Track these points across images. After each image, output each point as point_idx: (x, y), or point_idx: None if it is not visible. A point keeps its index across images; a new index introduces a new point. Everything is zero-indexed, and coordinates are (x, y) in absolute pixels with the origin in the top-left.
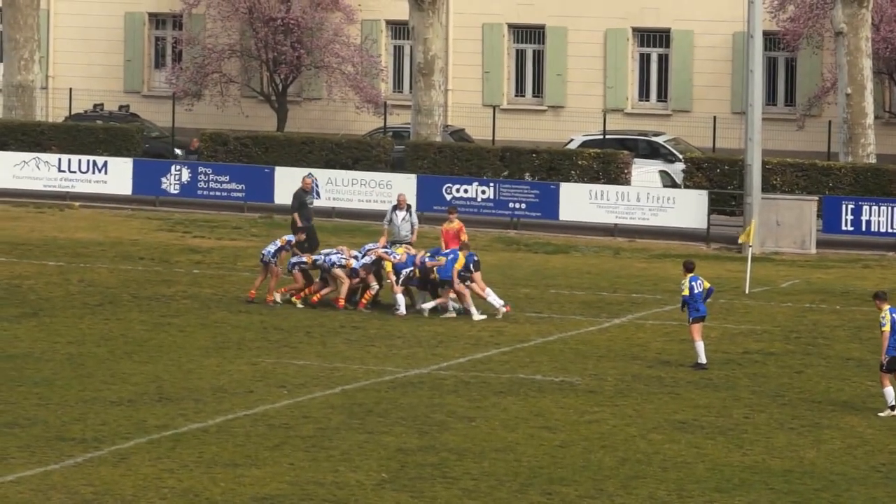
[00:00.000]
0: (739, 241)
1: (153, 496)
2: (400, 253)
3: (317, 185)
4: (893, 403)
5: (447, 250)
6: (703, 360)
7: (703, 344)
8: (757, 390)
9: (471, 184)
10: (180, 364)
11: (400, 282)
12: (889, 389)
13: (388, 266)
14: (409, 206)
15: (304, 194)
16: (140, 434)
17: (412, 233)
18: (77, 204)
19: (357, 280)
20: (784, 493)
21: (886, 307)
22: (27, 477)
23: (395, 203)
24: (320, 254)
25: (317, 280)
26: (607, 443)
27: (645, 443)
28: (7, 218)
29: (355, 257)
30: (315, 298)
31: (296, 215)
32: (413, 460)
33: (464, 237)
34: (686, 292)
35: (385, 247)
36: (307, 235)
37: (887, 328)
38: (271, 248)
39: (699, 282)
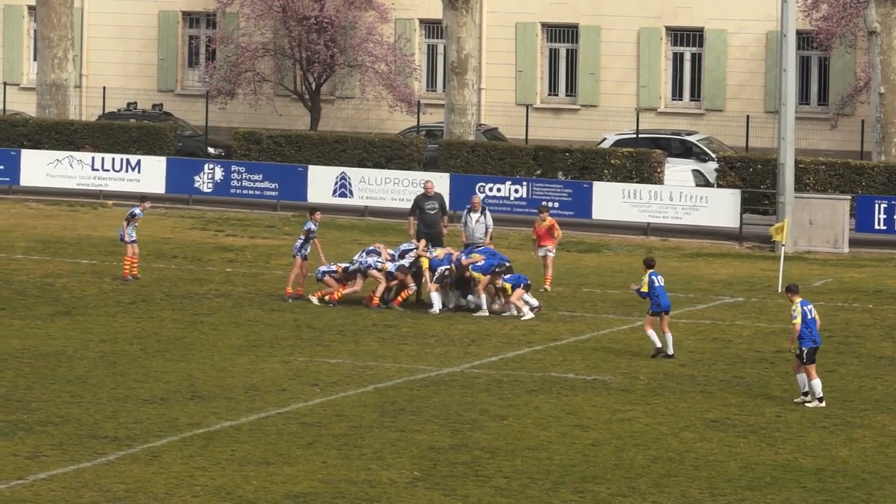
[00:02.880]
0: (772, 237)
1: (185, 494)
2: (438, 252)
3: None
4: (806, 390)
5: (486, 247)
6: (668, 350)
7: (672, 335)
8: (789, 389)
9: (504, 183)
10: (213, 362)
11: (434, 279)
12: (802, 376)
13: (425, 263)
14: (483, 208)
15: (423, 199)
16: (172, 432)
17: (486, 235)
18: (111, 202)
19: (394, 282)
20: (816, 491)
21: (798, 300)
22: (59, 475)
23: (469, 205)
24: (355, 258)
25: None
26: (639, 441)
27: (677, 441)
28: (41, 216)
29: (392, 258)
30: (335, 296)
31: (411, 219)
32: (445, 458)
33: (557, 233)
34: (645, 288)
35: (427, 248)
36: (428, 242)
37: (798, 321)
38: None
39: (659, 277)
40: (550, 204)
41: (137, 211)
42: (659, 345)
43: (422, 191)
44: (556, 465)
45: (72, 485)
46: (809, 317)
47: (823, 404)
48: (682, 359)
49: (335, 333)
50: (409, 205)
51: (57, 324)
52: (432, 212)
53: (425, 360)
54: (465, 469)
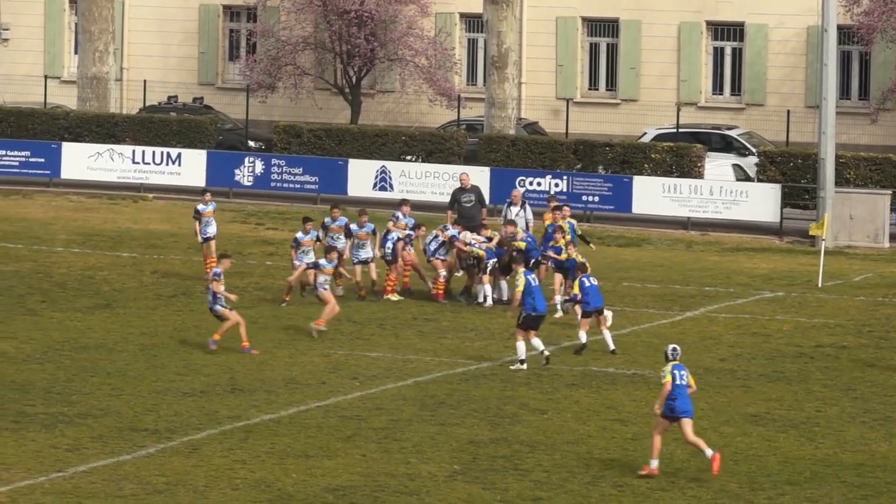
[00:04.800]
0: (812, 232)
1: (225, 487)
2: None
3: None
4: (523, 358)
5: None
6: (610, 346)
7: (610, 333)
8: (829, 384)
9: (544, 177)
10: (253, 355)
11: (489, 271)
12: (521, 344)
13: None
14: (523, 202)
15: (460, 192)
16: (212, 425)
17: (527, 228)
18: (151, 196)
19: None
20: (855, 486)
21: (521, 270)
22: (100, 467)
23: (509, 199)
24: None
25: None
26: (679, 436)
27: (717, 435)
28: (81, 209)
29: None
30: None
31: (449, 213)
32: (485, 452)
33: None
34: (576, 290)
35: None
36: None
37: (520, 288)
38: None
39: (590, 279)
40: (590, 198)
41: (200, 207)
42: (583, 341)
43: (458, 184)
44: (596, 460)
45: (112, 477)
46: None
47: None
48: (721, 353)
49: (375, 327)
50: (446, 198)
51: (97, 316)
52: (468, 204)
53: (465, 353)
54: (504, 463)
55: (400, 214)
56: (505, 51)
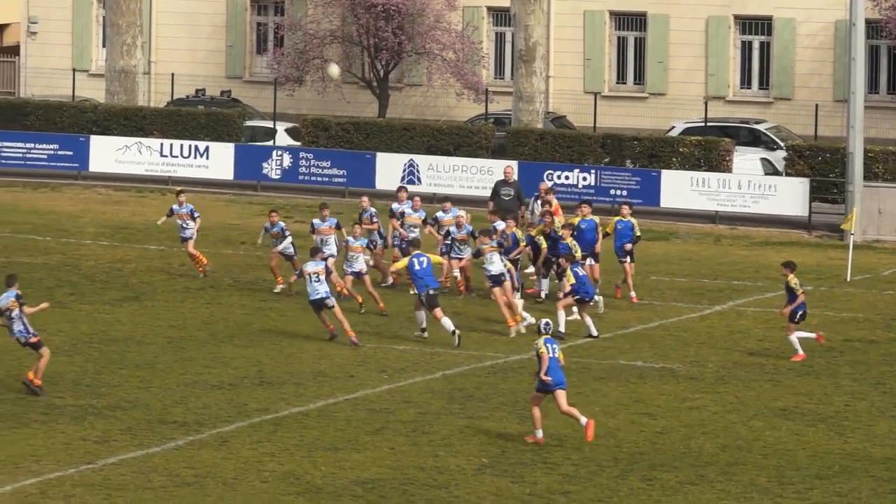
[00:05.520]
0: (841, 226)
1: (254, 479)
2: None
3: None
4: (424, 326)
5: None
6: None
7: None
8: (858, 378)
9: (572, 170)
10: (281, 348)
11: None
12: (421, 313)
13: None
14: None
15: (502, 185)
16: (241, 417)
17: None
18: (179, 188)
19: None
20: (885, 480)
21: (411, 256)
22: (129, 459)
23: (536, 192)
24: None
25: None
26: (708, 429)
27: (746, 429)
28: (109, 202)
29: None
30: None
31: (490, 203)
32: (513, 446)
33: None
34: (573, 280)
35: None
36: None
37: (572, 280)
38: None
39: (578, 268)
40: (618, 192)
41: (315, 221)
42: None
43: (502, 176)
44: (625, 453)
45: (141, 469)
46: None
47: None
48: (750, 347)
49: (403, 320)
50: (476, 192)
51: (125, 309)
52: (507, 198)
53: (493, 347)
54: (532, 456)
55: (441, 213)
56: (532, 44)
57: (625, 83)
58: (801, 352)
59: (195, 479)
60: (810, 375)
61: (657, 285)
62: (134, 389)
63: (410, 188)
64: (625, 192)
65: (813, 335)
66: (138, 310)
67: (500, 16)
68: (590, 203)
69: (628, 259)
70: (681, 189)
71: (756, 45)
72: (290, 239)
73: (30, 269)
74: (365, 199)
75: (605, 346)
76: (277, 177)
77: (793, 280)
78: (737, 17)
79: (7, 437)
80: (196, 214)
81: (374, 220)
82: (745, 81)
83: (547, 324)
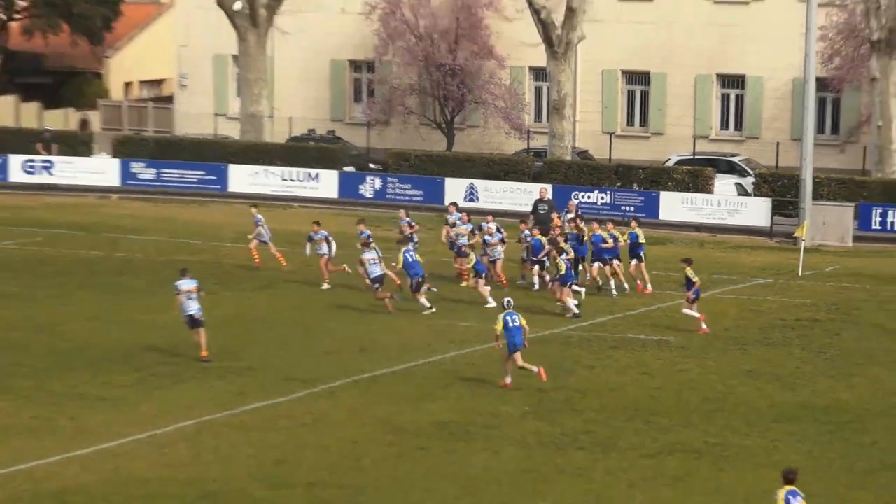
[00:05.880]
0: (794, 234)
1: (356, 422)
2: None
3: (476, 192)
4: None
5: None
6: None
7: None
8: (805, 348)
9: (592, 191)
10: (375, 325)
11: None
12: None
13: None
14: (577, 211)
15: (538, 202)
16: (346, 376)
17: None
18: (297, 205)
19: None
20: (825, 423)
21: (403, 251)
22: (261, 407)
23: (566, 208)
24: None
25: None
26: (693, 386)
27: (722, 386)
28: (244, 215)
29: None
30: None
31: (530, 216)
32: (548, 397)
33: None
34: (563, 268)
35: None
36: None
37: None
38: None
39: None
40: (627, 208)
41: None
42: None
43: (538, 196)
44: (630, 403)
45: (270, 415)
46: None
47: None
48: (726, 325)
49: (465, 304)
50: (519, 208)
51: (260, 295)
52: (543, 212)
53: (534, 324)
54: (563, 405)
55: (492, 225)
56: (563, 96)
57: (633, 125)
58: (704, 326)
59: (312, 422)
60: (769, 346)
61: (656, 279)
62: (265, 355)
63: (470, 205)
64: (632, 208)
65: (698, 315)
66: (270, 296)
67: (539, 73)
68: (637, 219)
69: (635, 261)
70: (674, 206)
71: (732, 96)
72: (334, 245)
73: (186, 265)
74: (403, 212)
75: (616, 324)
76: (371, 196)
77: (689, 271)
78: (718, 75)
79: (170, 390)
80: (331, 239)
81: (413, 224)
82: (724, 124)
83: (509, 301)
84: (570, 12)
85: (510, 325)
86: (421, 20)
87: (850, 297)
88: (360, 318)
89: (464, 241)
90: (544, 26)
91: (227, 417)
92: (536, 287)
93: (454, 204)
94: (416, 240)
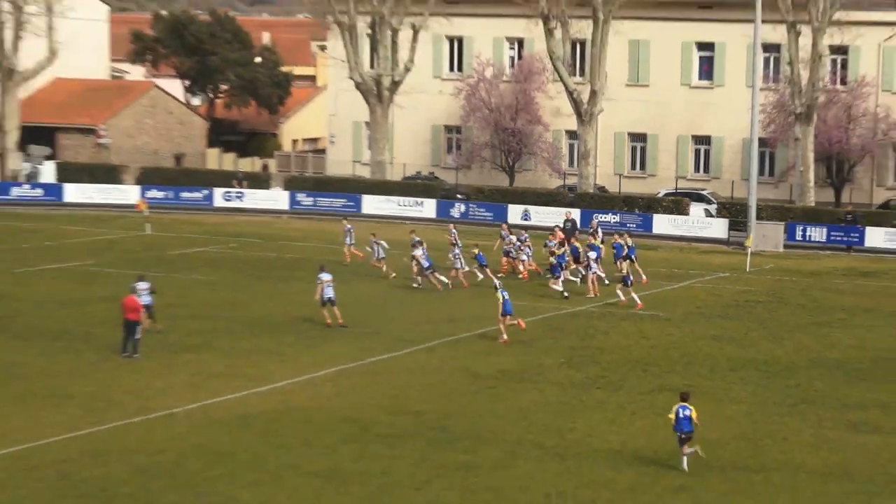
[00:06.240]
0: (744, 243)
1: (446, 370)
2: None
3: (529, 214)
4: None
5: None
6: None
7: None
8: (752, 320)
9: (607, 213)
10: (456, 304)
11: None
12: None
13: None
14: (597, 227)
15: (565, 221)
16: (438, 338)
17: (602, 241)
18: (409, 224)
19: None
20: (763, 371)
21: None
22: (381, 359)
23: (589, 225)
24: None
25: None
26: (675, 347)
27: (694, 346)
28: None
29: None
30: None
31: (557, 231)
32: (577, 353)
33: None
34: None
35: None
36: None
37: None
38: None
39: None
40: (631, 226)
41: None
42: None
43: (565, 216)
44: (633, 357)
45: (387, 365)
46: (506, 298)
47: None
48: (697, 304)
49: (514, 290)
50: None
51: (375, 284)
52: (568, 227)
53: (567, 305)
54: (588, 359)
55: (553, 242)
56: (588, 149)
57: (635, 169)
58: (638, 302)
59: (416, 369)
60: (727, 318)
61: (650, 274)
62: (382, 324)
63: (524, 223)
64: (634, 226)
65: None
66: (382, 284)
67: (571, 134)
68: (621, 234)
69: (628, 261)
70: (663, 224)
71: (702, 150)
72: (384, 244)
73: (325, 263)
74: (452, 226)
75: (617, 305)
76: (458, 216)
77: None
78: (693, 136)
79: (319, 347)
80: (382, 244)
81: (457, 238)
82: (696, 169)
83: (500, 284)
84: (593, 94)
85: (505, 297)
86: (492, 98)
87: (782, 286)
88: (444, 298)
89: (511, 249)
90: (575, 103)
91: (358, 366)
92: (577, 280)
93: (506, 223)
94: (460, 244)
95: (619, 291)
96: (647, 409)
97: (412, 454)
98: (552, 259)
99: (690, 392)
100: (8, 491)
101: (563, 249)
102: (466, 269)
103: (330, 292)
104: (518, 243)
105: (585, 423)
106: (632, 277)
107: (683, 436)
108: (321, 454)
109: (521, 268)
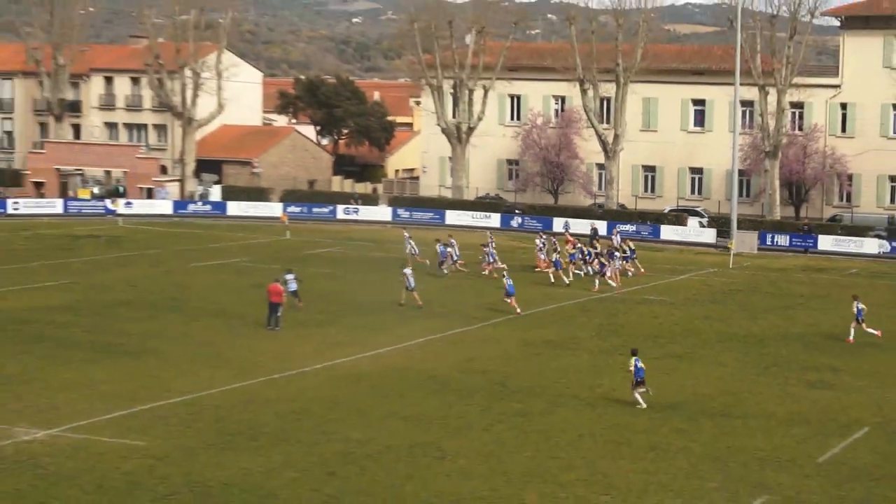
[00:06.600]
0: (728, 247)
1: (506, 340)
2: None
3: (569, 224)
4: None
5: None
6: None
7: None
8: (733, 304)
9: (626, 225)
10: (483, 297)
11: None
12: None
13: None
14: (618, 233)
15: (592, 230)
16: (500, 316)
17: (620, 245)
18: (488, 232)
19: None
20: (740, 343)
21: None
22: (457, 332)
23: (612, 233)
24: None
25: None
26: (676, 323)
27: (689, 323)
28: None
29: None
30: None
31: (568, 235)
32: (604, 328)
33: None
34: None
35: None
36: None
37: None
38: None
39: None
40: (644, 234)
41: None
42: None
43: (590, 226)
44: (646, 332)
45: (462, 336)
46: (509, 283)
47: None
48: (692, 292)
49: (546, 287)
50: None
51: (446, 278)
52: (592, 233)
53: (592, 293)
54: (611, 332)
55: (573, 249)
56: (612, 177)
57: (647, 192)
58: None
59: (484, 339)
60: (715, 303)
61: (658, 270)
62: (456, 306)
63: (561, 231)
64: (646, 233)
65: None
66: (450, 278)
67: (601, 166)
68: (625, 240)
69: (629, 261)
70: (668, 233)
71: (697, 178)
72: (456, 246)
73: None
74: (489, 232)
75: (634, 292)
76: (516, 225)
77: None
78: (689, 167)
79: (410, 323)
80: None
81: (492, 247)
82: (692, 192)
83: (506, 274)
84: (616, 137)
85: (509, 282)
86: (542, 140)
87: (757, 279)
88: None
89: (542, 253)
90: (603, 143)
91: (439, 337)
92: (581, 273)
93: (543, 232)
94: (493, 244)
95: (596, 280)
96: (656, 370)
97: (480, 403)
98: (556, 255)
99: (685, 357)
100: (177, 430)
101: (573, 249)
102: (501, 265)
103: (411, 282)
104: (542, 245)
105: (610, 380)
106: (613, 271)
107: (639, 380)
108: (413, 403)
109: (552, 267)
